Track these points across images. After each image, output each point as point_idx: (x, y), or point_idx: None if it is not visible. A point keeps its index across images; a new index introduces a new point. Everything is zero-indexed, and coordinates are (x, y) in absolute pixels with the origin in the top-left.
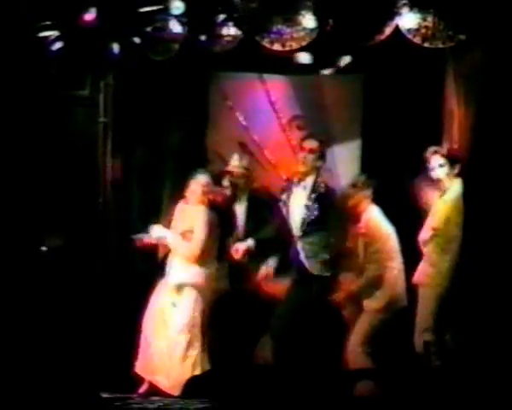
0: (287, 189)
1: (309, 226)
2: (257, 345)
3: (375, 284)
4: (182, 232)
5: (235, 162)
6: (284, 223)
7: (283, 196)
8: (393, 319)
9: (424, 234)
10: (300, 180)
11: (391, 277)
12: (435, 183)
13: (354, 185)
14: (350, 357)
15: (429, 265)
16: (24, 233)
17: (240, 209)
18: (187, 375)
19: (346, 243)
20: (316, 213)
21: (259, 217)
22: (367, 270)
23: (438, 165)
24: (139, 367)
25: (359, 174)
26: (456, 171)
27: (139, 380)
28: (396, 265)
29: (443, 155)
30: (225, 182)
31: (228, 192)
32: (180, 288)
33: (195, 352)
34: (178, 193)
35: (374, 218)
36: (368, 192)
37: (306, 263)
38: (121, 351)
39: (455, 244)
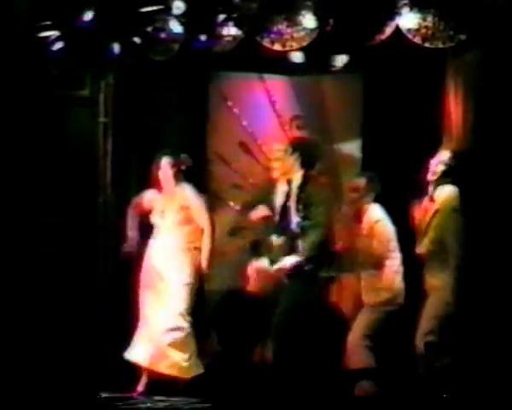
0: (288, 189)
1: (301, 228)
2: (257, 345)
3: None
4: (178, 211)
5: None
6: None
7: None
8: (393, 318)
9: (420, 249)
10: (289, 180)
11: (389, 273)
12: (429, 192)
13: (356, 190)
14: (351, 354)
15: (429, 275)
16: (23, 233)
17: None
18: (190, 373)
19: (333, 240)
20: (306, 210)
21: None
22: (384, 272)
23: (440, 171)
24: (135, 356)
25: (359, 177)
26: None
27: (137, 378)
28: (394, 263)
29: (445, 163)
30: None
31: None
32: (168, 277)
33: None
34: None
35: (377, 218)
36: (370, 197)
37: (304, 262)
38: (121, 350)
39: (453, 252)
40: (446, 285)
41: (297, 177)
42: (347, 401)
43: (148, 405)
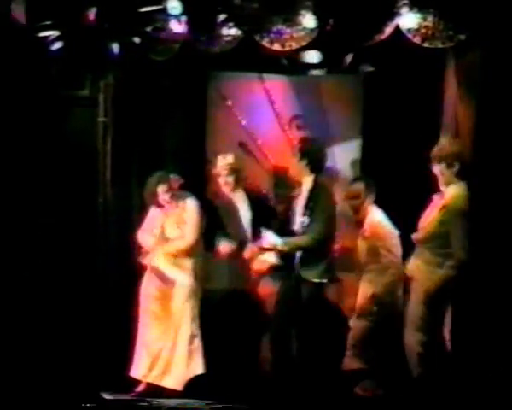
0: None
1: (304, 232)
2: (260, 345)
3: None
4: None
5: (220, 163)
6: (286, 227)
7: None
8: (387, 323)
9: (417, 235)
10: (299, 185)
11: (388, 283)
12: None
13: (357, 197)
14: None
15: (421, 260)
16: (23, 233)
17: (241, 207)
18: (190, 373)
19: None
20: (312, 216)
21: (263, 216)
22: (386, 276)
23: (438, 169)
24: (136, 371)
25: (356, 183)
26: (454, 171)
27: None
28: (395, 271)
29: (440, 157)
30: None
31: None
32: (171, 282)
33: (197, 349)
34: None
35: (378, 221)
36: (370, 198)
37: (300, 269)
38: (122, 351)
39: (454, 249)
40: (436, 274)
41: (307, 181)
42: (344, 401)
43: (154, 406)
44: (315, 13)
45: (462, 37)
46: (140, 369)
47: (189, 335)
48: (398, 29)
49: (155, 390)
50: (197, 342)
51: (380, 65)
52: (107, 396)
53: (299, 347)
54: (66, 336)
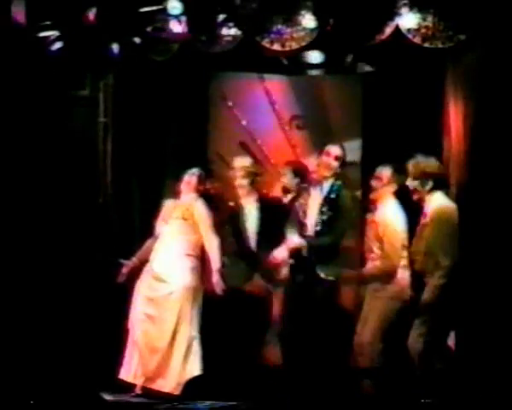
0: (305, 190)
1: (321, 229)
2: (262, 345)
3: (386, 276)
4: (181, 217)
5: (237, 164)
6: (300, 225)
7: (301, 199)
8: (401, 315)
9: (415, 265)
10: (318, 183)
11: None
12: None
13: (379, 180)
14: (364, 352)
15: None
16: (23, 233)
17: (251, 212)
18: (187, 375)
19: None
20: (329, 216)
21: (273, 224)
22: (380, 263)
23: (412, 184)
24: (127, 374)
25: (385, 167)
26: (428, 188)
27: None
28: (402, 261)
29: (414, 174)
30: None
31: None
32: (168, 282)
33: (195, 351)
34: (170, 190)
35: (390, 210)
36: (392, 188)
37: (316, 267)
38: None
39: (444, 257)
40: (436, 287)
41: (328, 183)
42: (353, 401)
43: (155, 407)
44: (315, 13)
45: (462, 37)
46: (130, 371)
47: (188, 337)
48: (398, 29)
49: (151, 391)
50: (196, 345)
51: (380, 65)
52: (107, 397)
53: (308, 345)
54: (66, 336)
